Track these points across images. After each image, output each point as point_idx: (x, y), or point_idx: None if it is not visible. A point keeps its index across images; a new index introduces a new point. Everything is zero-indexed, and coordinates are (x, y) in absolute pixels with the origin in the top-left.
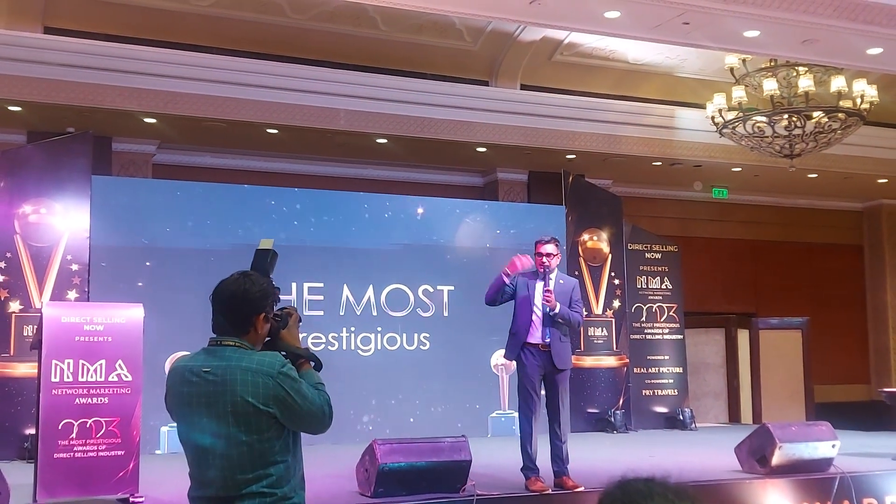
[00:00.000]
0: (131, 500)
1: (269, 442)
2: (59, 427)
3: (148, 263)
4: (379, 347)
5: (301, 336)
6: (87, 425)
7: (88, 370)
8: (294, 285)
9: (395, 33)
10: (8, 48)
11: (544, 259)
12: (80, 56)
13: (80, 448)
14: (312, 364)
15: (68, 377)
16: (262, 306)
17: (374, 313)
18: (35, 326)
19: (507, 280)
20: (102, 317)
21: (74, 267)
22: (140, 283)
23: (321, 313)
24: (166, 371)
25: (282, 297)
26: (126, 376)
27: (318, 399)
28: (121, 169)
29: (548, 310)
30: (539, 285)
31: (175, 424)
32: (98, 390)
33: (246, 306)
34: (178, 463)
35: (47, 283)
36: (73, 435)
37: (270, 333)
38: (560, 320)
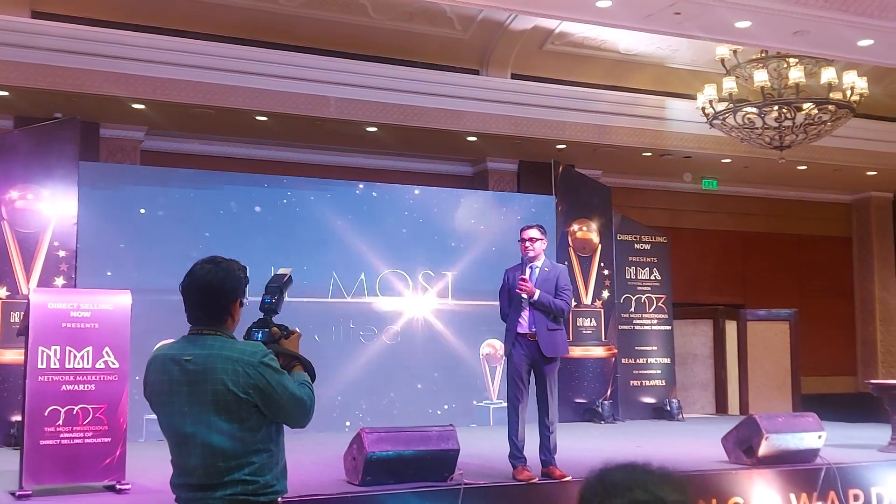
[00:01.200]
0: (118, 487)
1: (250, 430)
2: (46, 414)
3: (136, 250)
4: (370, 335)
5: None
6: (74, 412)
7: (75, 357)
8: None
9: (386, 21)
10: None
11: (527, 244)
12: (68, 41)
13: (66, 435)
14: (303, 369)
15: (55, 364)
16: (236, 293)
17: (365, 300)
18: (22, 313)
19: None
20: (89, 303)
21: (61, 253)
22: (127, 270)
23: (308, 300)
24: None
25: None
26: (113, 363)
27: (298, 392)
28: (109, 155)
29: (527, 297)
30: (528, 272)
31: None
32: (85, 377)
33: (222, 297)
34: (165, 451)
35: (34, 269)
36: (60, 422)
37: (271, 340)
38: (540, 308)
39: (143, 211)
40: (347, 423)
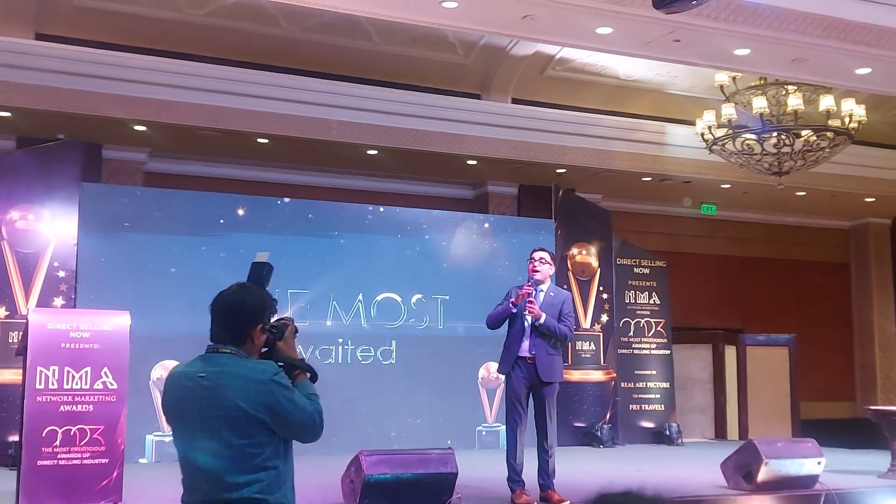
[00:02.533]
0: None
1: (260, 447)
2: (44, 434)
3: (136, 271)
4: (368, 358)
5: (298, 347)
6: (72, 433)
7: (74, 377)
8: (282, 294)
9: (389, 45)
10: None
11: (536, 263)
12: (71, 63)
13: (64, 455)
14: (308, 375)
15: (53, 384)
16: (259, 318)
17: (363, 324)
18: (20, 333)
19: (514, 310)
20: (89, 324)
21: (61, 274)
22: (127, 291)
23: (307, 324)
24: (152, 379)
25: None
26: (111, 384)
27: (309, 408)
28: (111, 176)
29: (532, 320)
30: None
31: (161, 432)
32: (83, 398)
33: (244, 317)
34: (162, 472)
35: (34, 289)
36: (58, 442)
37: (267, 344)
38: (545, 331)
39: (144, 232)
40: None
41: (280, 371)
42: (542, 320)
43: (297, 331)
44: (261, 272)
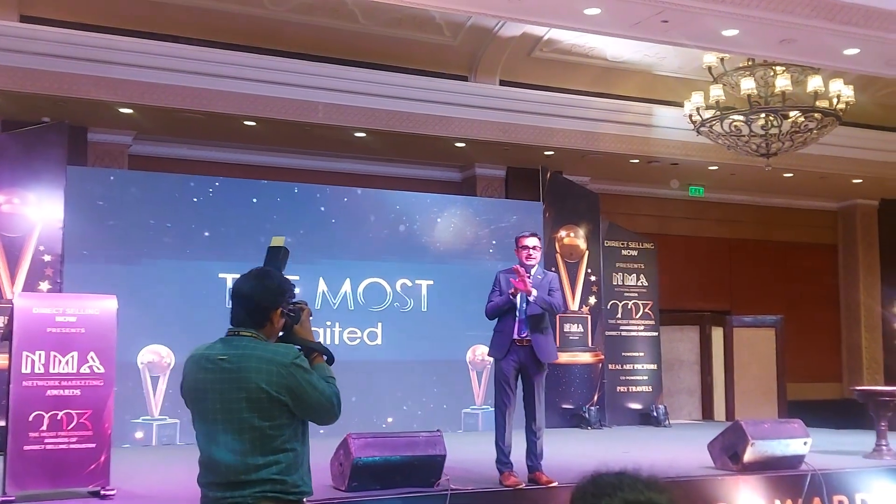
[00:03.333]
0: (102, 492)
1: (279, 429)
2: (30, 419)
3: (122, 255)
4: (356, 342)
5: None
6: (58, 417)
7: (60, 362)
8: None
9: (374, 27)
10: None
11: (531, 251)
12: (56, 45)
13: (50, 440)
14: (325, 358)
15: (39, 369)
16: (279, 302)
17: (351, 307)
18: (6, 318)
19: (515, 300)
20: (75, 308)
21: (47, 258)
22: (114, 275)
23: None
24: (139, 363)
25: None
26: (98, 368)
27: (327, 391)
28: (96, 159)
29: (524, 299)
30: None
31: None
32: (70, 382)
33: (264, 301)
34: (150, 456)
35: (19, 273)
36: (44, 427)
37: (284, 328)
38: (542, 305)
39: (130, 216)
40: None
41: (300, 354)
42: (533, 296)
43: (311, 314)
44: (277, 256)
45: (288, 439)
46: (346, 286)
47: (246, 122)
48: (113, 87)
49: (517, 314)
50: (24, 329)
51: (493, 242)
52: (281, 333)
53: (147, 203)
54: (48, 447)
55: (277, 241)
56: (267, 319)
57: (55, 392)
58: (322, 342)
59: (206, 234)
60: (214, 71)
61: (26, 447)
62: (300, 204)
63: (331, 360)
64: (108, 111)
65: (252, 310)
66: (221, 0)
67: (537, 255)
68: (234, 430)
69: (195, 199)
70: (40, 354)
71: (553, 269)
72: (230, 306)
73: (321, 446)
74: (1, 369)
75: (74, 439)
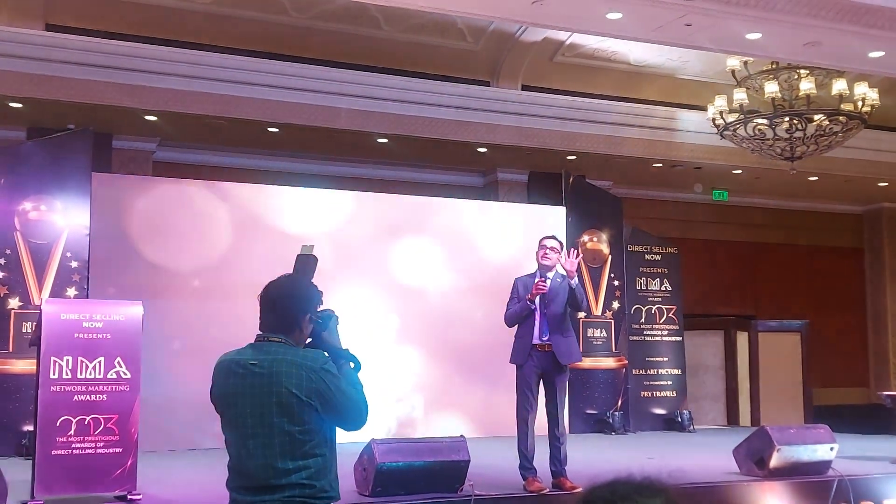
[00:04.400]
0: (129, 497)
1: (309, 434)
2: (58, 424)
3: (148, 261)
4: (380, 347)
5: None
6: (86, 422)
7: (87, 367)
8: None
9: (397, 33)
10: (9, 45)
11: (548, 251)
12: (81, 53)
13: (78, 445)
14: (352, 365)
15: (67, 374)
16: (308, 307)
17: (376, 313)
18: (34, 323)
19: (533, 306)
20: (102, 314)
21: (74, 264)
22: (139, 281)
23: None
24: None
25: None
26: (125, 373)
27: (355, 396)
28: (121, 166)
29: (544, 302)
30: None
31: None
32: (96, 387)
33: (294, 306)
34: (176, 461)
35: (47, 279)
36: (72, 432)
37: (312, 334)
38: (577, 295)
39: (155, 222)
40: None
41: (329, 360)
42: (573, 281)
43: (339, 321)
44: (306, 264)
45: (317, 444)
46: (371, 292)
47: (269, 129)
48: (137, 95)
49: (536, 319)
50: (52, 335)
51: (516, 248)
52: (309, 339)
53: (171, 209)
54: (75, 452)
55: (307, 248)
56: (296, 325)
57: (82, 397)
58: (349, 349)
59: (232, 241)
60: (238, 78)
61: (54, 452)
62: (324, 209)
63: (358, 368)
64: (132, 118)
65: (281, 316)
66: (245, 7)
67: (553, 255)
68: (265, 434)
69: (219, 205)
70: (68, 360)
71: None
72: (259, 312)
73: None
74: (29, 374)
75: (101, 444)
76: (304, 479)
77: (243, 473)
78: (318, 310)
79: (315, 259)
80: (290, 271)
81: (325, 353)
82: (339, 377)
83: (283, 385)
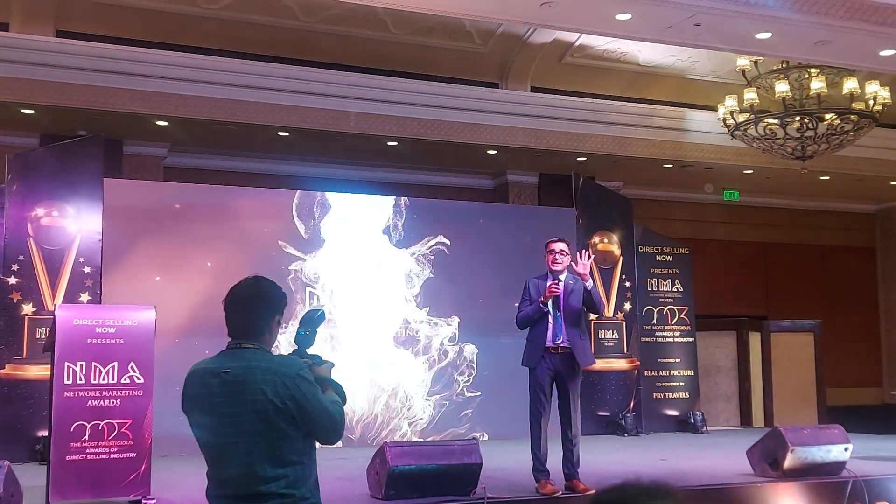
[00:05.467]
0: (143, 501)
1: (287, 440)
2: (72, 429)
3: (159, 266)
4: (393, 350)
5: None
6: (100, 427)
7: (101, 372)
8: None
9: (406, 36)
10: (20, 52)
11: (557, 256)
12: (91, 59)
13: (92, 450)
14: (333, 390)
15: (81, 379)
16: (277, 309)
17: (388, 315)
18: (47, 329)
19: (546, 308)
20: (114, 319)
21: (87, 269)
22: (151, 286)
23: (332, 316)
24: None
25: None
26: (138, 378)
27: (331, 407)
28: (132, 172)
29: (558, 305)
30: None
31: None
32: (110, 392)
33: (265, 308)
34: (190, 465)
35: (60, 285)
36: (86, 437)
37: (298, 351)
38: (594, 298)
39: (166, 227)
40: (373, 429)
41: (305, 367)
42: (589, 283)
43: (333, 365)
44: (314, 315)
45: (295, 451)
46: (383, 294)
47: (279, 133)
48: (148, 100)
49: (549, 321)
50: (66, 340)
51: (527, 250)
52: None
53: (182, 214)
54: (89, 457)
55: (317, 308)
56: (266, 328)
57: (96, 402)
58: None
59: (242, 243)
60: (247, 82)
61: (68, 457)
62: (334, 212)
63: (343, 399)
64: (143, 124)
65: (250, 319)
66: (253, 12)
67: (564, 259)
68: (242, 442)
69: (230, 210)
70: (81, 365)
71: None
72: (226, 318)
73: (358, 455)
74: (43, 380)
75: (115, 449)
76: (284, 488)
77: (223, 481)
78: (322, 361)
79: (323, 315)
80: (266, 277)
81: (302, 360)
82: (315, 386)
83: (259, 391)
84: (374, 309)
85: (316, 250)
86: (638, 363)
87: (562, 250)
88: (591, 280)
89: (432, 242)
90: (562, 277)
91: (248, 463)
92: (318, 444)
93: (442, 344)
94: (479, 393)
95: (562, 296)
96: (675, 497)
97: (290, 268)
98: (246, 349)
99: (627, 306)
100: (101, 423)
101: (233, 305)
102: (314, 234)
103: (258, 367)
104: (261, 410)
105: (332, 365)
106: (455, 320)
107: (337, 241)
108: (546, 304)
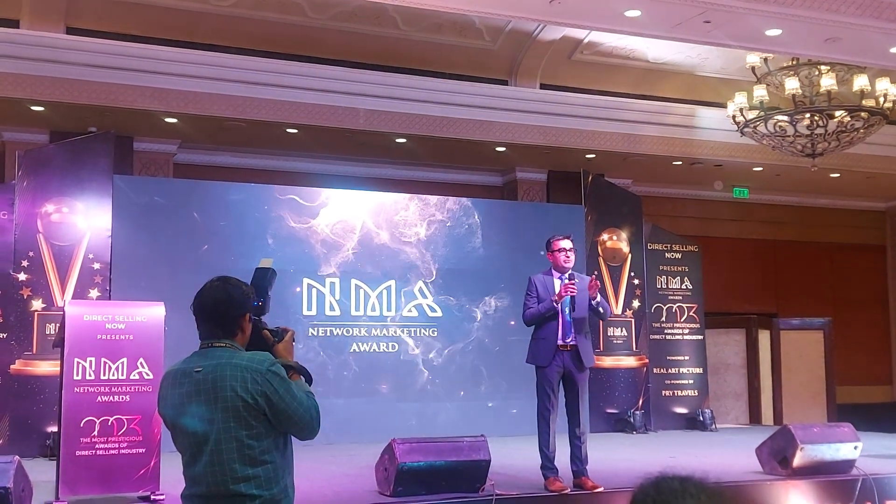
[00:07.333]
0: (152, 497)
1: (258, 438)
2: (81, 425)
3: (169, 262)
4: (399, 347)
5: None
6: (109, 423)
7: (110, 368)
8: (308, 283)
9: (415, 33)
10: (31, 48)
11: (568, 253)
12: (101, 56)
13: (101, 446)
14: (302, 378)
15: (90, 375)
16: (246, 307)
17: (394, 313)
18: (57, 325)
19: (558, 307)
20: (124, 315)
21: (96, 266)
22: (161, 282)
23: (338, 313)
24: None
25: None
26: (147, 374)
27: (305, 401)
28: (142, 168)
29: (570, 303)
30: (558, 283)
31: None
32: (120, 388)
33: (233, 309)
34: None
35: (69, 281)
36: (95, 432)
37: (267, 347)
38: (601, 309)
39: (176, 223)
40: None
41: (277, 363)
42: (596, 300)
43: (294, 339)
44: (265, 276)
45: (267, 450)
46: (390, 292)
47: (288, 130)
48: (158, 97)
49: (560, 319)
50: (75, 336)
51: (536, 248)
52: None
53: (192, 211)
54: (99, 452)
55: (266, 262)
56: (237, 327)
57: (106, 398)
58: (299, 363)
59: (251, 240)
60: (257, 79)
61: (78, 452)
62: (343, 209)
63: (309, 381)
64: (153, 121)
65: (220, 323)
66: (263, 9)
67: (573, 256)
68: (214, 438)
69: (239, 207)
70: (91, 361)
71: (595, 272)
72: (196, 323)
73: (366, 451)
74: (53, 376)
75: (125, 444)
76: (254, 489)
77: (194, 480)
78: (278, 328)
79: (273, 272)
80: (231, 277)
81: (272, 356)
82: (287, 381)
83: (229, 388)
84: (382, 305)
85: (324, 247)
86: (647, 360)
87: (572, 248)
88: (598, 296)
89: (440, 240)
90: (567, 275)
91: (217, 460)
92: (305, 444)
93: (448, 340)
94: (485, 390)
95: (574, 295)
96: (710, 490)
97: (298, 264)
98: (217, 348)
99: (636, 304)
100: (111, 419)
101: (200, 312)
102: (322, 231)
103: (228, 364)
104: (232, 407)
105: (293, 334)
106: (462, 317)
107: (344, 238)
108: (558, 303)
